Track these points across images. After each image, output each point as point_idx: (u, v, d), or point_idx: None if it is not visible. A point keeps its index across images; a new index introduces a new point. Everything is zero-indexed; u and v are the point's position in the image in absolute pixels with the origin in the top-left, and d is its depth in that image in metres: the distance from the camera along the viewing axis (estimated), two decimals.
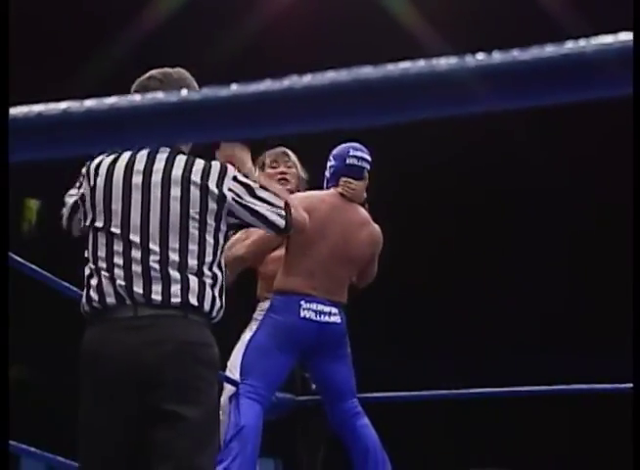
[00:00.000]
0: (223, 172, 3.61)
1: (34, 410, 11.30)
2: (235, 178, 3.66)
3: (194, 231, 3.50)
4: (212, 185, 3.55)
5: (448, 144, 13.22)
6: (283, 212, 3.70)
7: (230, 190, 3.60)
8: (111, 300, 3.44)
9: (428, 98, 1.09)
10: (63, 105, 1.14)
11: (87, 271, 3.58)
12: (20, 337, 6.86)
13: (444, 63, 1.05)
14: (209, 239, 3.54)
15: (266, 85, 1.09)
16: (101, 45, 11.01)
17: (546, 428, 14.27)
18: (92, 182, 3.60)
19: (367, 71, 1.05)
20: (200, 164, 3.60)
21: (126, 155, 3.56)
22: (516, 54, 1.02)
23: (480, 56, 1.04)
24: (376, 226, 5.93)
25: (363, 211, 5.86)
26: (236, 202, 3.61)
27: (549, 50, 1.01)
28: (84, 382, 3.49)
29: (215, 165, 3.63)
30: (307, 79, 1.08)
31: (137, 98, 1.13)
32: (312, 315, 5.40)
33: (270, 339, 5.37)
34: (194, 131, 1.18)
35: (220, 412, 5.11)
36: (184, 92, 1.12)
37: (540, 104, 1.08)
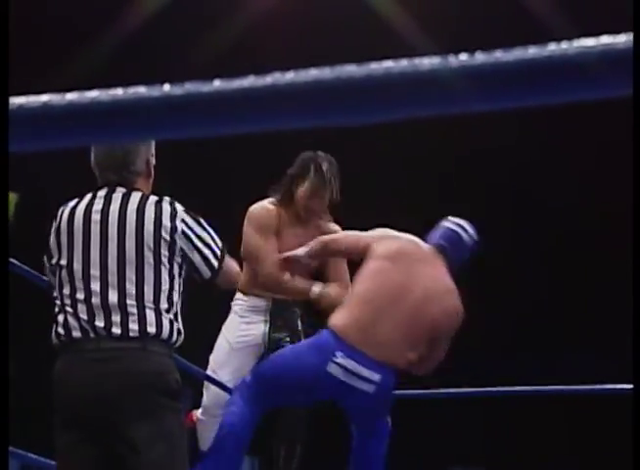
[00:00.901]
0: (175, 208, 3.77)
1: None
2: (189, 217, 3.81)
3: (149, 263, 3.64)
4: (165, 219, 3.70)
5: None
6: (216, 264, 3.85)
7: (185, 225, 3.75)
8: (76, 333, 3.60)
9: (411, 97, 1.09)
10: (44, 98, 1.15)
11: (55, 309, 3.72)
12: None
13: (428, 62, 1.06)
14: (164, 269, 3.67)
15: (249, 81, 1.10)
16: (86, 42, 10.93)
17: (523, 427, 14.27)
18: (56, 225, 3.78)
19: (350, 70, 1.05)
20: (153, 199, 3.76)
21: (87, 197, 3.78)
22: (499, 55, 1.02)
23: (464, 56, 1.05)
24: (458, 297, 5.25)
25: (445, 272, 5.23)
26: (184, 237, 3.75)
27: (532, 51, 1.01)
28: (55, 409, 3.65)
29: (167, 201, 3.78)
30: (290, 76, 1.08)
31: (119, 92, 1.13)
32: (340, 374, 4.81)
33: (297, 363, 4.99)
34: (176, 126, 1.18)
35: (200, 414, 5.13)
36: (166, 86, 1.11)
37: (523, 105, 1.09)
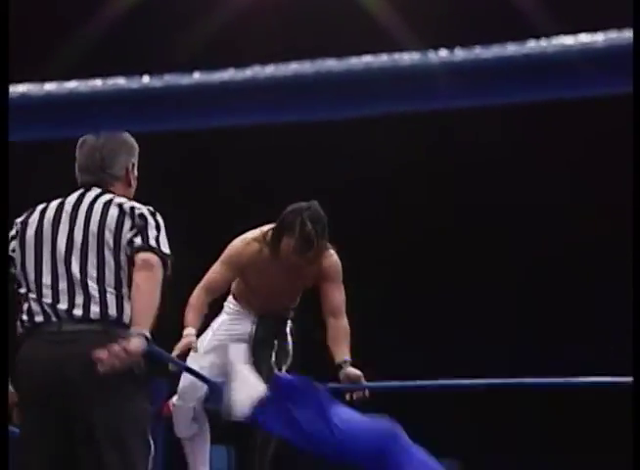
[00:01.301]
0: (140, 208, 3.84)
1: None
2: (150, 211, 3.89)
3: (109, 250, 3.72)
4: (129, 215, 3.79)
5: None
6: (157, 246, 3.85)
7: (148, 212, 3.85)
8: (39, 318, 3.67)
9: (390, 92, 1.08)
10: (21, 88, 1.14)
11: (20, 299, 3.79)
12: None
13: (408, 58, 1.05)
14: (124, 258, 3.74)
15: (229, 74, 1.08)
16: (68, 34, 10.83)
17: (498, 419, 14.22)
18: (25, 220, 3.88)
19: (330, 64, 1.04)
20: (119, 199, 3.86)
21: (64, 197, 3.90)
22: (478, 51, 1.01)
23: (443, 52, 1.04)
24: None
25: None
26: (147, 222, 3.83)
27: (511, 49, 1.01)
28: (17, 390, 3.70)
29: (130, 202, 3.86)
30: (270, 70, 1.07)
31: (98, 83, 1.11)
32: None
33: None
34: (154, 117, 1.16)
35: (176, 400, 5.14)
36: (145, 78, 1.10)
37: (501, 102, 1.08)
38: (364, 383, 5.26)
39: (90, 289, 3.64)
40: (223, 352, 5.08)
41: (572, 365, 6.72)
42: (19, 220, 3.86)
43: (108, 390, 3.53)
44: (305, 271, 5.25)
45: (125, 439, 3.57)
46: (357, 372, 5.21)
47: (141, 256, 3.79)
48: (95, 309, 3.61)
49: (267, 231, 5.25)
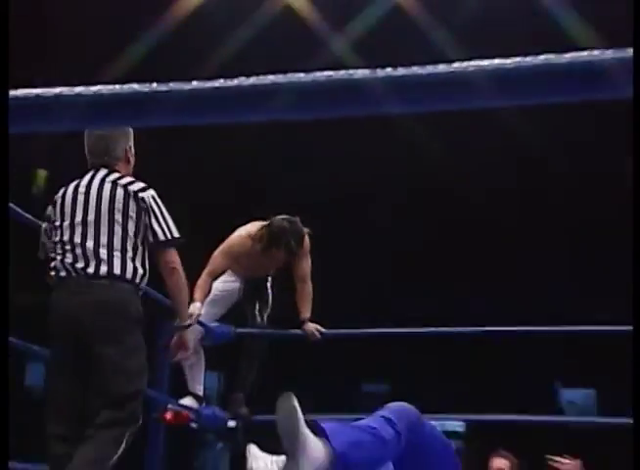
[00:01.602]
0: (145, 186, 3.92)
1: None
2: (153, 196, 3.94)
3: (118, 222, 3.81)
4: (134, 188, 3.87)
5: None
6: (167, 235, 3.93)
7: (151, 198, 3.91)
8: (62, 273, 3.80)
9: (345, 100, 1.07)
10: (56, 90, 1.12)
11: (50, 257, 3.91)
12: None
13: (360, 72, 1.04)
14: (131, 227, 3.83)
15: (219, 83, 1.07)
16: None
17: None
18: (57, 198, 3.97)
19: (299, 76, 1.03)
20: (124, 179, 3.92)
21: (85, 177, 3.93)
22: (415, 69, 1.00)
23: (389, 69, 1.03)
24: None
25: None
26: (146, 207, 3.88)
27: (441, 67, 0.99)
28: (48, 328, 3.81)
29: (133, 184, 3.90)
30: (253, 80, 1.06)
31: (117, 87, 1.09)
32: None
33: None
34: (162, 116, 1.14)
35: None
36: (154, 85, 1.07)
37: (435, 109, 1.06)
38: (318, 334, 5.36)
39: (100, 254, 3.75)
40: (219, 305, 5.33)
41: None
42: (56, 196, 3.98)
43: (113, 328, 3.69)
44: (282, 261, 5.40)
45: (125, 365, 3.69)
46: (312, 329, 5.35)
47: (161, 257, 3.94)
48: (103, 269, 3.74)
49: (258, 233, 5.31)
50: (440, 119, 9.94)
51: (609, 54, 0.98)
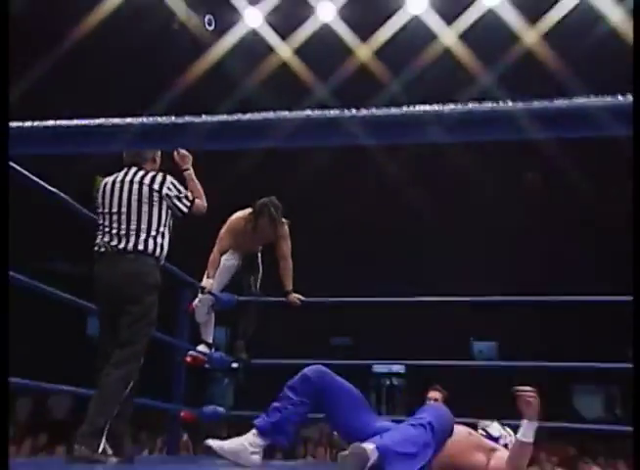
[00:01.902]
0: (163, 179, 3.84)
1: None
2: (172, 184, 3.87)
3: (144, 211, 3.76)
4: (156, 186, 3.80)
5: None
6: (188, 203, 3.92)
7: (168, 188, 3.83)
8: (101, 248, 3.76)
9: (321, 134, 1.05)
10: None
11: (95, 237, 3.86)
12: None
13: (332, 112, 1.02)
14: (155, 212, 3.78)
15: (223, 117, 1.06)
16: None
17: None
18: (100, 188, 3.91)
19: (285, 113, 1.00)
20: (151, 173, 3.85)
21: (121, 172, 3.88)
22: (386, 109, 0.97)
23: (363, 111, 1.02)
24: None
25: None
26: (167, 195, 3.83)
27: (405, 109, 0.96)
28: (93, 293, 3.81)
29: (161, 176, 3.85)
30: (249, 116, 1.03)
31: (145, 119, 1.05)
32: None
33: None
34: (180, 142, 1.10)
35: (195, 302, 5.13)
36: (173, 118, 1.05)
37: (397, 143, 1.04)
38: (298, 302, 5.25)
39: (130, 233, 3.73)
40: (223, 274, 5.24)
41: None
42: (100, 186, 3.94)
43: (136, 292, 3.67)
44: (268, 234, 5.19)
45: (141, 315, 3.68)
46: (294, 298, 5.25)
47: (193, 212, 3.93)
48: (130, 245, 3.71)
49: (247, 214, 5.20)
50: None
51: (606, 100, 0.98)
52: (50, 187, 3.71)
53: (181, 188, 3.89)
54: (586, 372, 13.20)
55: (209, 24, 10.87)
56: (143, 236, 3.72)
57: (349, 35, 10.39)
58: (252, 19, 10.64)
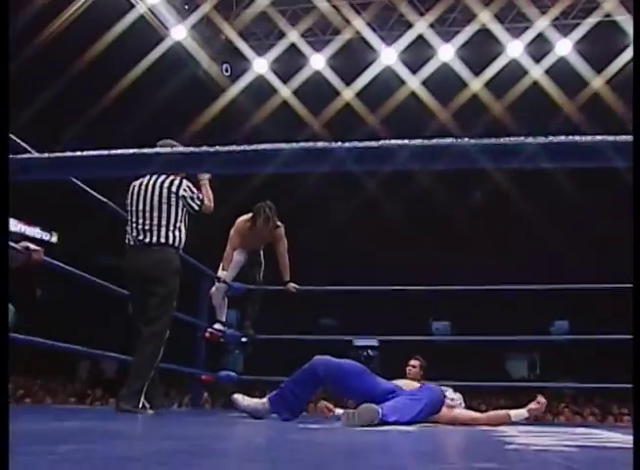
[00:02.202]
0: (180, 183, 3.70)
1: None
2: (187, 187, 3.72)
3: (165, 210, 3.63)
4: (174, 188, 3.67)
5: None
6: (199, 203, 3.75)
7: (184, 190, 3.70)
8: (131, 242, 3.65)
9: (310, 162, 0.99)
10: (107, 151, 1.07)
11: (125, 232, 3.74)
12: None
13: (320, 144, 0.98)
14: (173, 210, 3.65)
15: (232, 148, 1.00)
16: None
17: None
18: (130, 189, 3.76)
19: (279, 145, 0.96)
20: (170, 178, 3.71)
21: (147, 177, 3.73)
22: (357, 143, 0.93)
23: (347, 143, 0.98)
24: None
25: None
26: (183, 196, 3.69)
27: (381, 142, 0.93)
28: (124, 279, 3.70)
29: (178, 180, 3.71)
30: (252, 147, 0.96)
31: (166, 149, 1.00)
32: None
33: None
34: (193, 167, 1.05)
35: (213, 290, 5.05)
36: (191, 148, 1.01)
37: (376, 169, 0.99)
38: (294, 290, 5.10)
39: (153, 229, 3.61)
40: (235, 267, 5.10)
41: None
42: (130, 188, 3.78)
43: (161, 276, 3.56)
44: (266, 234, 5.03)
45: (166, 296, 3.54)
46: (290, 287, 5.11)
47: (204, 210, 3.79)
48: (154, 239, 3.59)
49: (249, 216, 5.03)
50: None
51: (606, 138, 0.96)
52: (101, 196, 3.72)
53: (194, 191, 3.76)
54: (515, 343, 13.35)
55: (227, 71, 10.86)
56: (164, 230, 3.60)
57: (337, 80, 10.41)
58: (260, 67, 10.65)
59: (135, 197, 3.70)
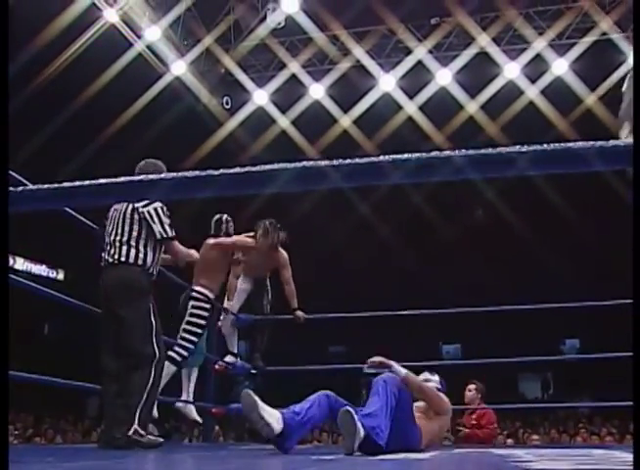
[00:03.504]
0: (150, 203, 3.48)
1: None
2: (155, 209, 3.48)
3: (133, 229, 3.44)
4: (139, 206, 3.45)
5: None
6: (165, 235, 3.49)
7: (148, 212, 3.45)
8: (102, 263, 3.45)
9: (305, 180, 1.01)
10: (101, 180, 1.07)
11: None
12: None
13: (312, 162, 0.99)
14: (136, 230, 3.44)
15: (234, 171, 0.97)
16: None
17: None
18: (108, 213, 3.59)
19: (277, 166, 0.97)
20: (142, 204, 3.49)
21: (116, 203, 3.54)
22: (351, 161, 0.92)
23: (335, 161, 0.98)
24: None
25: None
26: (144, 217, 3.45)
27: (366, 159, 0.90)
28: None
29: (147, 207, 3.48)
30: (250, 168, 0.94)
31: (162, 175, 0.99)
32: None
33: None
34: (193, 192, 1.04)
35: (221, 320, 5.00)
36: (191, 173, 1.00)
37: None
38: (302, 319, 4.97)
39: (118, 246, 3.41)
40: (240, 298, 5.08)
41: None
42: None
43: (128, 297, 3.32)
44: (270, 258, 4.94)
45: (133, 320, 3.30)
46: (300, 315, 4.98)
47: (166, 247, 3.54)
48: (115, 257, 3.38)
49: (252, 235, 4.89)
50: None
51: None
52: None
53: (164, 219, 3.50)
54: (527, 364, 13.21)
55: (227, 104, 10.95)
56: (131, 250, 3.41)
57: (335, 108, 10.48)
58: (260, 98, 10.74)
59: (109, 220, 3.54)
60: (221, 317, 5.05)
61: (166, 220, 3.50)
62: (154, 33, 9.49)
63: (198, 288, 4.45)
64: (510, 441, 8.86)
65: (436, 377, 3.53)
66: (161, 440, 3.35)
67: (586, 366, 12.91)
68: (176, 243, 3.57)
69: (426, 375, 3.51)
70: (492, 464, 2.36)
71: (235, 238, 4.85)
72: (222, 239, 4.75)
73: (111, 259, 3.40)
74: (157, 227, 3.46)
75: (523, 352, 5.88)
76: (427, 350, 12.83)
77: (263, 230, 4.85)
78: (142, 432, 3.15)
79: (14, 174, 2.74)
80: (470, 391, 5.67)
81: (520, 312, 5.90)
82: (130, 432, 3.10)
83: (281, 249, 5.00)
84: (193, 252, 3.78)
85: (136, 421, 3.12)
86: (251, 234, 4.92)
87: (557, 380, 16.40)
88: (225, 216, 4.93)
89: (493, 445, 5.67)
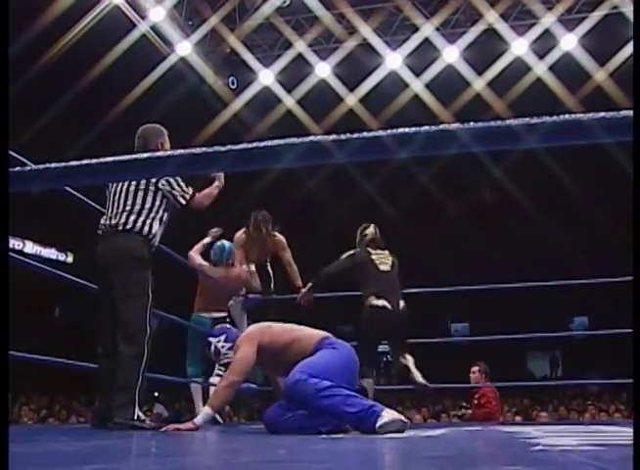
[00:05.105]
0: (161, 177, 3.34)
1: None
2: (167, 181, 3.37)
3: (138, 195, 3.33)
4: (153, 179, 3.31)
5: None
6: (184, 201, 3.42)
7: (162, 184, 3.37)
8: (98, 232, 3.37)
9: (302, 156, 1.01)
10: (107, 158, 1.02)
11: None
12: None
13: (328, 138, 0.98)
14: (149, 201, 3.34)
15: (241, 146, 0.97)
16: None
17: None
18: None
19: (276, 141, 0.97)
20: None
21: None
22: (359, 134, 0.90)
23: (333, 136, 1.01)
24: None
25: None
26: (162, 187, 3.37)
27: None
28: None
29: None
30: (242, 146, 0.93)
31: (169, 152, 0.99)
32: None
33: None
34: (201, 168, 1.03)
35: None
36: (199, 149, 0.99)
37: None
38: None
39: (123, 215, 3.29)
40: (240, 313, 5.16)
41: None
42: None
43: (123, 265, 3.22)
44: (265, 244, 5.09)
45: (128, 285, 3.22)
46: (303, 292, 4.87)
47: (192, 205, 3.46)
48: (121, 225, 3.26)
49: (246, 229, 5.10)
50: None
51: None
52: None
53: (176, 184, 3.41)
54: (536, 341, 13.25)
55: (232, 84, 10.90)
56: (134, 216, 3.29)
57: (341, 87, 10.41)
58: (266, 78, 10.68)
59: (112, 185, 3.42)
60: (230, 302, 5.09)
61: (179, 185, 3.42)
62: (158, 14, 9.42)
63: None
64: (518, 418, 8.92)
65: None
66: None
67: (595, 344, 12.91)
68: (197, 196, 3.51)
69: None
70: (501, 440, 2.37)
71: (238, 269, 5.01)
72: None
73: (110, 227, 3.31)
74: (177, 191, 3.39)
75: (531, 330, 5.89)
76: (436, 328, 12.88)
77: (254, 224, 4.97)
78: (143, 417, 3.13)
79: (14, 155, 2.74)
80: (474, 373, 6.00)
81: (528, 290, 5.89)
82: (134, 416, 3.07)
83: (277, 233, 5.09)
84: (206, 191, 3.64)
85: (136, 406, 3.09)
86: (244, 229, 5.08)
87: (565, 358, 16.45)
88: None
89: (499, 420, 5.78)
